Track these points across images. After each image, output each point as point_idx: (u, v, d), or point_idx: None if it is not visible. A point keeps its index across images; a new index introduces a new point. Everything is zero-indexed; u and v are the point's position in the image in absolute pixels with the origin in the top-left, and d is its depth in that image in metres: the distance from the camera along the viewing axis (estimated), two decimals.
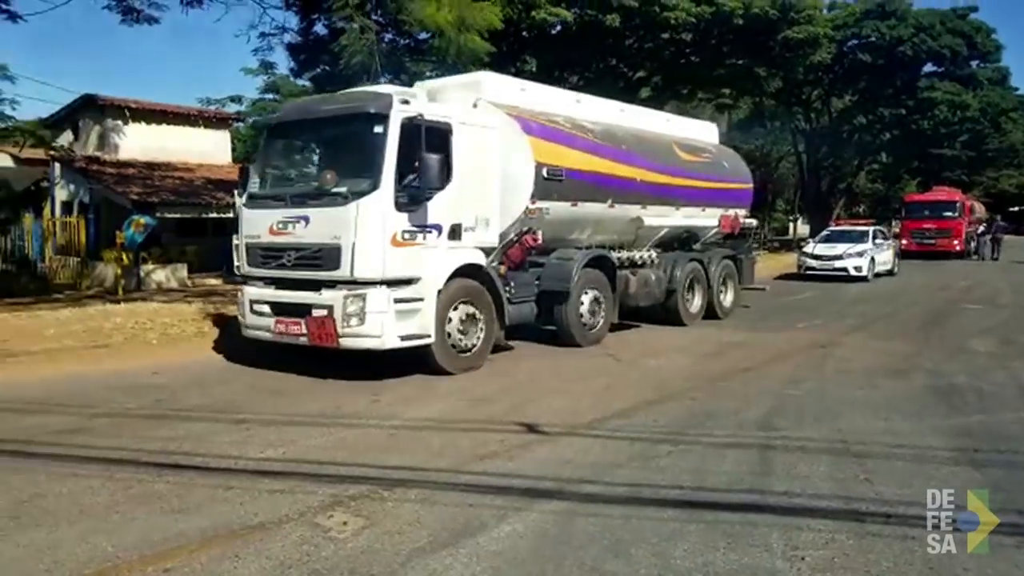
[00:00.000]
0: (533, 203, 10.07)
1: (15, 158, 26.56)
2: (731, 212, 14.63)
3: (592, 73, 25.17)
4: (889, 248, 25.44)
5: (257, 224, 9.21)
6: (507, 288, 9.86)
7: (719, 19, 22.12)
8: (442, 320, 8.86)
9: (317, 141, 10.15)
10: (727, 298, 14.70)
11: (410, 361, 9.05)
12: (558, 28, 21.39)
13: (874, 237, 24.48)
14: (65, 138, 26.47)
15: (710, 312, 13.94)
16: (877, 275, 23.68)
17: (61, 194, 24.64)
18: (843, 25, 30.44)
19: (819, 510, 4.76)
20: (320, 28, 21.00)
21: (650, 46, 23.92)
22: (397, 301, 8.48)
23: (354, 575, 3.93)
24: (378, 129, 8.48)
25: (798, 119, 40.87)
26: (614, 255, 11.77)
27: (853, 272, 22.73)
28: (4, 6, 14.34)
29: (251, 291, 9.39)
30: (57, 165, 24.75)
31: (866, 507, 4.82)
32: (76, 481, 5.28)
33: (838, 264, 22.97)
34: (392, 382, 8.68)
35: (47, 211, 25.28)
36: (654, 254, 12.63)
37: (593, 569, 4.02)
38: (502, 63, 19.69)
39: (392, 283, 8.50)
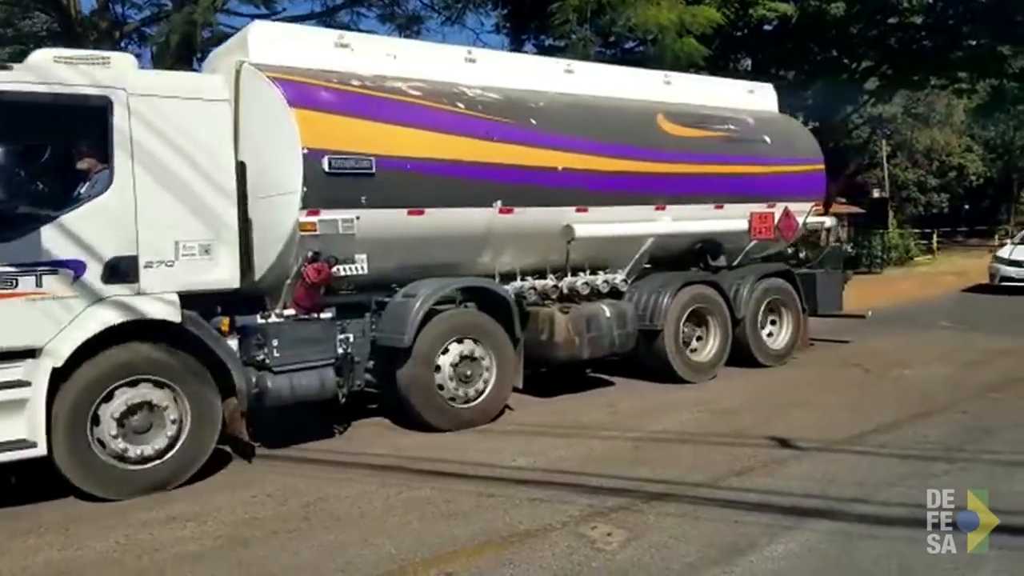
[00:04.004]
0: (310, 214, 6.49)
1: None
2: (773, 208, 10.01)
3: (810, 67, 23.88)
4: None
5: None
6: (263, 351, 6.42)
7: None
8: (74, 418, 5.47)
9: None
10: (780, 335, 10.15)
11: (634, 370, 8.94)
12: (775, 23, 20.52)
13: None
14: None
15: (742, 357, 9.64)
16: None
17: None
18: None
19: None
20: (529, 47, 21.52)
21: (875, 33, 22.32)
22: None
23: None
24: None
25: None
26: (523, 285, 8.04)
27: None
28: None
29: None
30: None
31: None
32: (352, 486, 5.63)
33: None
34: (624, 390, 8.62)
35: None
36: (619, 278, 8.75)
37: None
38: (715, 65, 19.23)
39: None
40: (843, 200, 42.03)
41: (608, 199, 8.44)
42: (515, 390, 7.78)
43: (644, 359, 8.98)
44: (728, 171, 9.59)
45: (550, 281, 8.24)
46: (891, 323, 13.22)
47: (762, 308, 9.82)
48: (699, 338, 9.30)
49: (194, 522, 5.05)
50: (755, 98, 10.96)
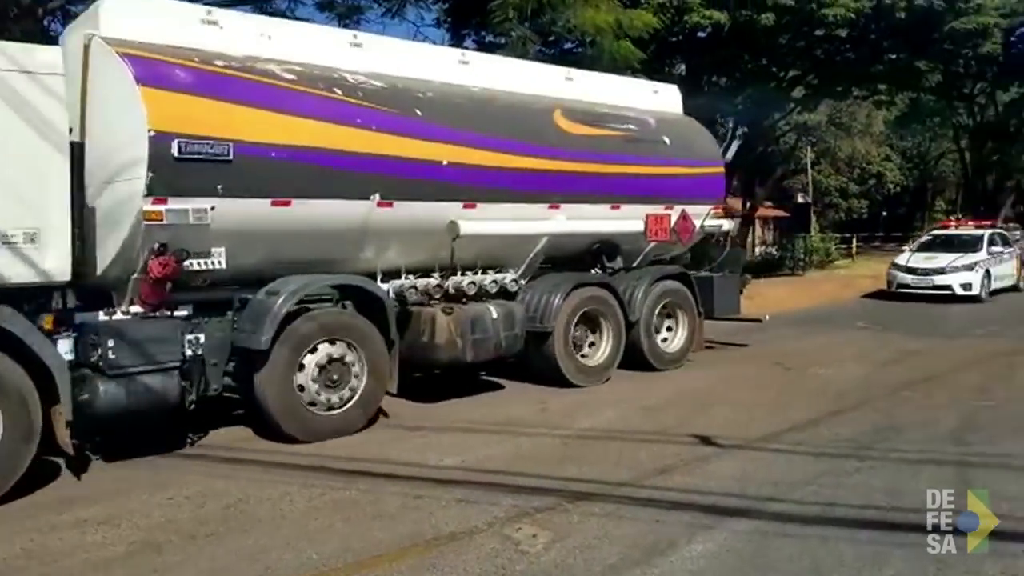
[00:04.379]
0: (156, 202, 5.95)
1: None
2: (671, 210, 9.82)
3: (741, 74, 24.51)
4: (1012, 258, 20.10)
5: None
6: (97, 352, 5.75)
7: (879, 13, 21.02)
8: None
9: None
10: (675, 339, 9.98)
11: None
12: (708, 30, 20.99)
13: (990, 244, 19.12)
14: None
15: (635, 360, 9.47)
16: (995, 292, 18.73)
17: None
18: (1012, 13, 28.25)
19: None
20: (469, 43, 21.50)
21: (803, 44, 23.04)
22: None
23: None
24: None
25: (960, 114, 38.29)
26: (403, 283, 7.71)
27: (960, 291, 17.71)
28: None
29: None
30: None
31: None
32: (274, 487, 5.51)
33: (939, 280, 17.96)
34: (556, 390, 8.60)
35: None
36: (509, 278, 8.51)
37: None
38: (650, 68, 19.55)
39: None
40: (770, 204, 43.27)
41: (498, 196, 8.10)
42: (389, 394, 7.39)
43: (533, 361, 8.71)
44: (625, 171, 9.33)
45: (433, 280, 7.91)
46: (811, 323, 13.81)
47: (657, 311, 9.65)
48: (592, 342, 9.08)
49: (107, 525, 4.87)
50: (659, 99, 10.73)
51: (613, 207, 9.26)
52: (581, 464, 6.02)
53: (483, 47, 19.56)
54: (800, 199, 42.28)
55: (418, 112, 7.62)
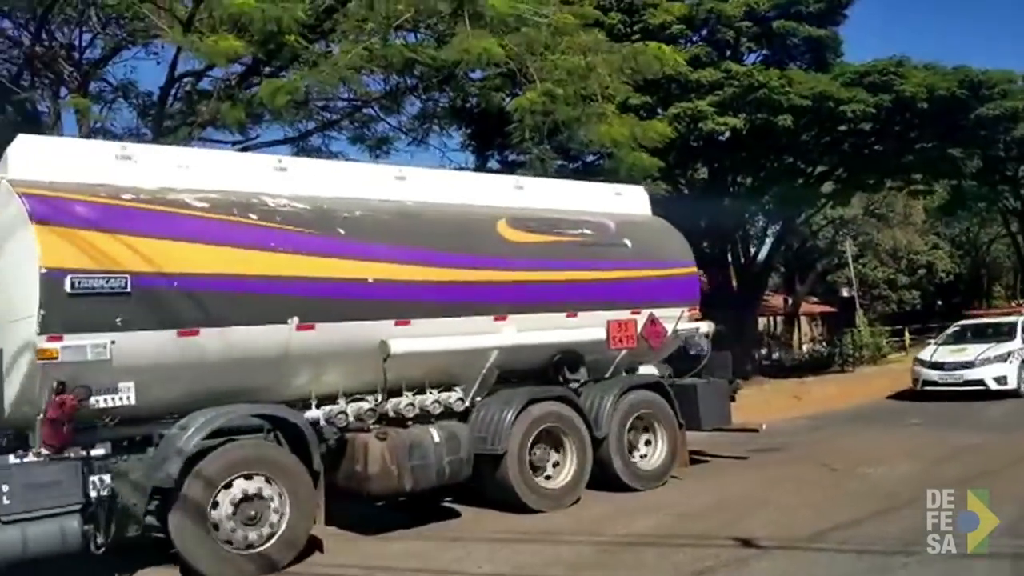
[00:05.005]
0: (51, 340, 5.82)
1: None
2: (637, 315, 9.09)
3: (766, 173, 24.74)
4: None
5: None
6: None
7: (900, 106, 21.20)
8: None
9: None
10: (654, 455, 9.12)
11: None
12: (727, 135, 21.38)
13: None
14: None
15: (605, 479, 8.62)
16: None
17: None
18: None
19: None
20: (493, 163, 22.27)
21: (827, 140, 23.24)
22: None
23: None
24: None
25: (1006, 198, 37.83)
26: (332, 409, 7.28)
27: (994, 385, 15.82)
28: None
29: None
30: None
31: None
32: None
33: (969, 375, 16.08)
34: (587, 498, 8.37)
35: None
36: (454, 397, 7.96)
37: None
38: (671, 175, 19.92)
39: None
40: (815, 300, 42.76)
41: (434, 310, 7.68)
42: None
43: (487, 487, 8.01)
44: (581, 277, 8.82)
45: (366, 403, 7.42)
46: (860, 421, 13.56)
47: (629, 424, 8.87)
48: (556, 462, 8.33)
49: None
50: (623, 200, 10.25)
51: (569, 315, 8.67)
52: (617, 569, 5.98)
53: (506, 166, 20.27)
54: (845, 293, 41.72)
55: (341, 231, 7.41)
